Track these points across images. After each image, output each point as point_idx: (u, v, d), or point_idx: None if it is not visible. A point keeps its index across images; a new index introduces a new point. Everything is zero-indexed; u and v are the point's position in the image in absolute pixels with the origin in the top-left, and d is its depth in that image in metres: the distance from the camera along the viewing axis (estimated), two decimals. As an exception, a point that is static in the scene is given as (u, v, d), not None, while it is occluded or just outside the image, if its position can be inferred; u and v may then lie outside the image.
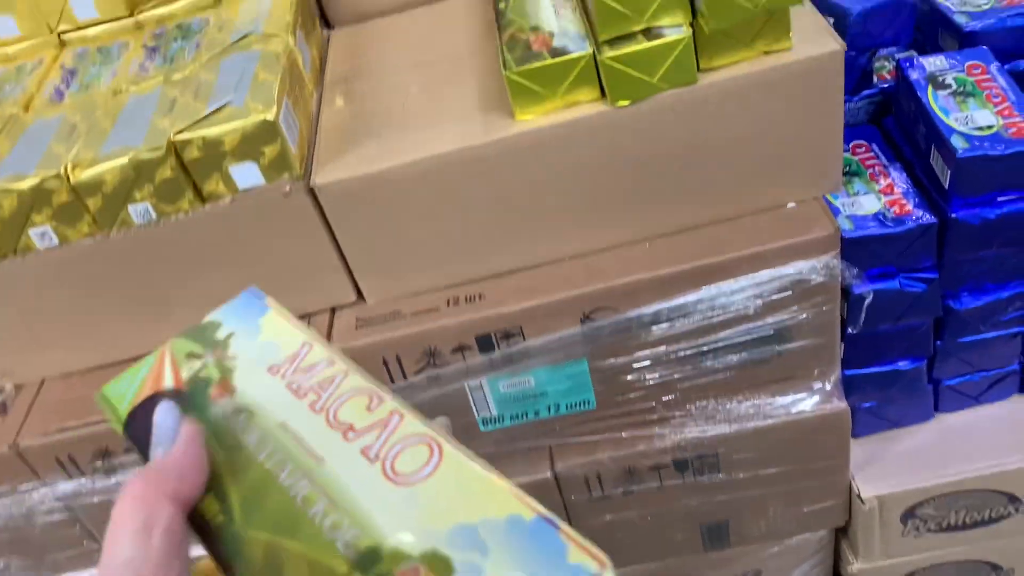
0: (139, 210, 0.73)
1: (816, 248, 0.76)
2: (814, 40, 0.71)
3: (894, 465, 0.93)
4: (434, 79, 0.81)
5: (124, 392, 0.36)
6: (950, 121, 0.79)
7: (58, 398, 0.83)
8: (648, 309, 0.78)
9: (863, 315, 0.81)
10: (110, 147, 0.72)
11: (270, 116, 0.69)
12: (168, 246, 0.75)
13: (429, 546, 0.25)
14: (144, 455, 0.33)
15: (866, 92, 0.93)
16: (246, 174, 0.72)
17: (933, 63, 0.86)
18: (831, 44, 0.70)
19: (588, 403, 0.84)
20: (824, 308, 0.79)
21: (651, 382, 0.82)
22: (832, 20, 0.85)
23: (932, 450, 0.93)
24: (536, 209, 0.76)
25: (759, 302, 0.78)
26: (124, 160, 0.71)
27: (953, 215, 0.79)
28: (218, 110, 0.71)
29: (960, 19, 0.90)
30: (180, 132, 0.70)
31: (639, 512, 0.92)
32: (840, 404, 0.85)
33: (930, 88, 0.83)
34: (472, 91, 0.78)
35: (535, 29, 0.73)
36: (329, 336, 0.79)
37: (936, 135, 0.79)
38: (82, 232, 0.74)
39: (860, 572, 0.99)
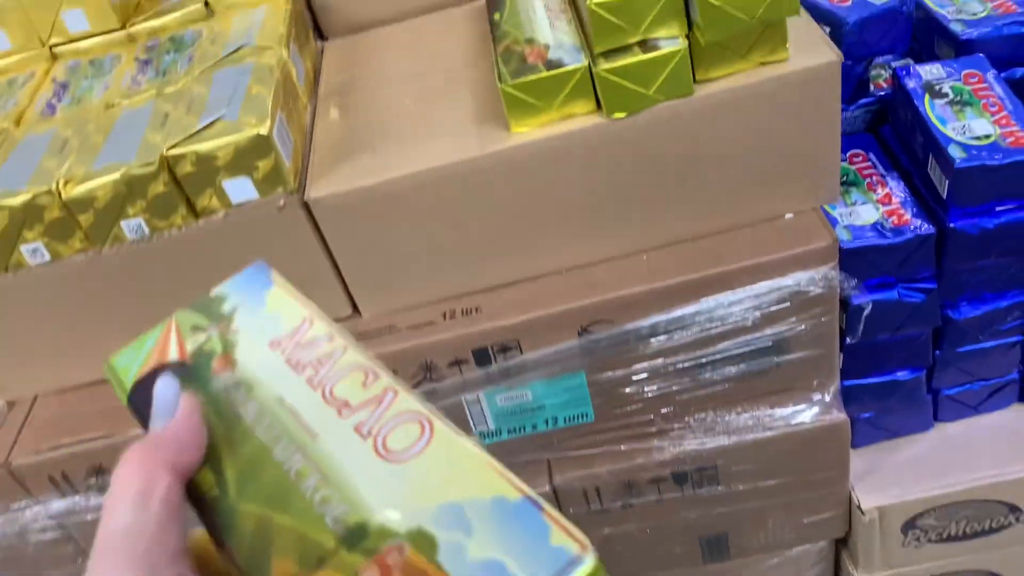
0: (132, 226, 0.72)
1: (814, 259, 0.75)
2: (811, 50, 0.70)
3: (894, 475, 0.92)
4: (429, 91, 0.81)
5: (130, 364, 0.36)
6: (947, 130, 0.79)
7: (51, 415, 0.82)
8: (646, 321, 0.77)
9: (862, 326, 0.81)
10: (102, 162, 0.72)
11: (263, 130, 0.69)
12: (161, 262, 0.74)
13: (415, 524, 0.26)
14: (145, 427, 0.34)
15: (863, 101, 0.93)
16: (240, 189, 0.71)
17: (930, 71, 0.86)
18: (828, 55, 0.70)
19: (586, 416, 0.83)
20: (823, 319, 0.78)
21: (649, 395, 0.82)
22: (828, 29, 0.85)
23: (932, 460, 0.93)
24: (532, 222, 0.76)
25: (757, 314, 0.77)
26: (116, 176, 0.70)
27: (951, 225, 0.78)
28: (211, 124, 0.71)
29: (956, 27, 0.90)
30: (173, 147, 0.70)
31: (638, 525, 0.91)
32: (839, 415, 0.84)
33: (927, 97, 0.83)
34: (467, 103, 0.77)
35: (530, 41, 0.73)
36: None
37: (934, 145, 0.79)
38: (74, 248, 0.73)
39: (861, 583, 0.98)
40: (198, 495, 0.31)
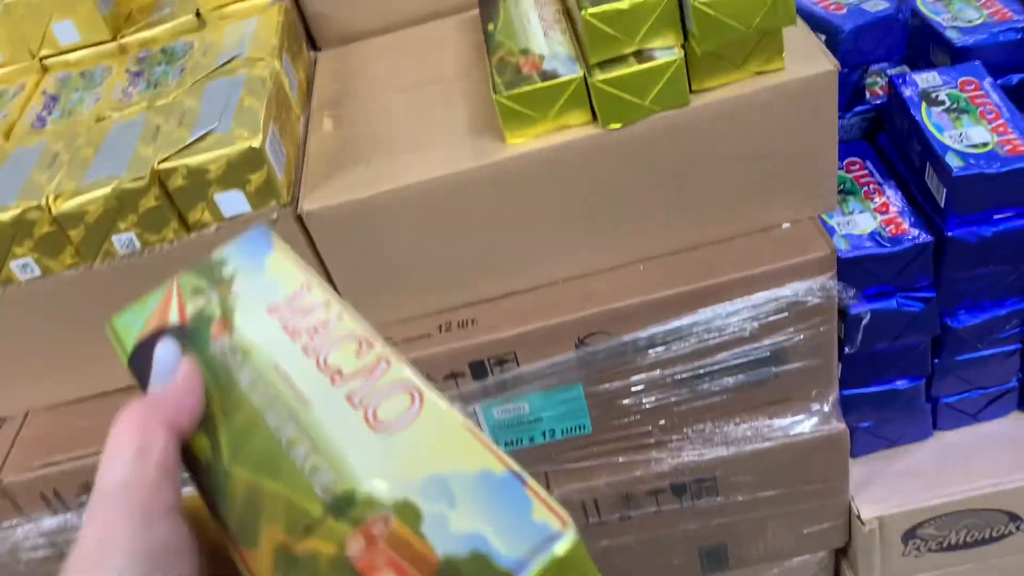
0: (123, 240, 0.72)
1: (812, 269, 0.75)
2: (807, 60, 0.70)
3: (894, 485, 0.92)
4: (423, 102, 0.80)
5: (131, 325, 0.36)
6: (944, 138, 0.79)
7: (42, 432, 0.81)
8: (643, 333, 0.76)
9: (860, 335, 0.80)
10: (93, 176, 0.71)
11: (256, 143, 0.68)
12: (153, 276, 0.72)
13: (401, 495, 0.26)
14: (144, 389, 0.34)
15: (859, 108, 0.92)
16: (232, 202, 0.71)
17: (926, 79, 0.85)
18: (825, 64, 0.69)
19: (584, 428, 0.83)
20: (821, 329, 0.78)
21: (647, 406, 0.81)
22: (824, 37, 0.84)
23: (932, 469, 0.92)
24: (528, 233, 0.75)
25: (755, 324, 0.77)
26: (107, 190, 0.69)
27: (949, 233, 0.78)
28: (203, 137, 0.70)
29: (952, 34, 0.90)
30: (164, 160, 0.69)
31: (637, 537, 0.90)
32: (839, 425, 0.84)
33: (923, 105, 0.82)
34: (461, 114, 0.77)
35: (525, 52, 0.72)
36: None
37: (931, 153, 0.79)
38: (65, 263, 0.72)
39: (861, 593, 0.98)
40: (192, 459, 0.31)
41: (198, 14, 0.88)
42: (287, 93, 0.80)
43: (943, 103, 0.82)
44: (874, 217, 0.81)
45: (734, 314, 0.76)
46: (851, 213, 0.82)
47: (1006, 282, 0.82)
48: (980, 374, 0.89)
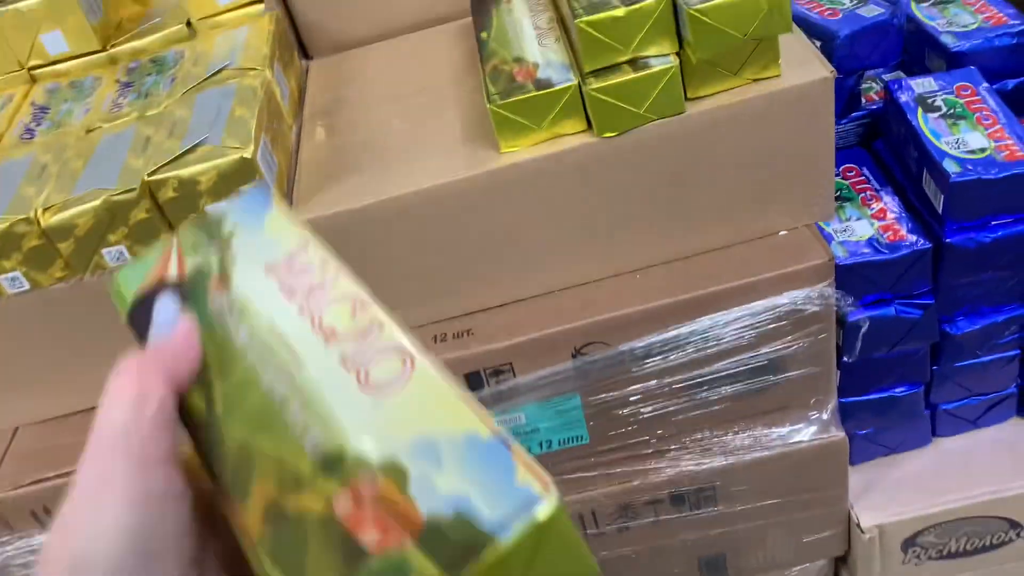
0: (113, 253, 0.71)
1: (810, 277, 0.74)
2: (803, 67, 0.69)
3: (893, 492, 0.91)
4: (416, 111, 0.80)
5: (132, 281, 0.37)
6: (941, 144, 0.78)
7: (32, 447, 0.80)
8: (640, 342, 0.76)
9: (859, 343, 0.80)
10: (82, 189, 0.70)
11: (247, 154, 0.67)
12: (144, 289, 0.72)
13: (389, 455, 0.26)
14: (142, 344, 0.34)
15: (855, 114, 0.92)
16: (224, 214, 0.70)
17: (922, 85, 0.85)
18: (821, 71, 0.69)
19: (581, 438, 0.82)
20: (819, 337, 0.77)
21: (645, 416, 0.80)
22: (819, 43, 0.84)
23: (931, 476, 0.91)
24: (524, 242, 0.75)
25: (753, 333, 0.76)
26: (97, 202, 0.68)
27: (948, 240, 0.77)
28: (193, 148, 0.69)
29: (947, 39, 0.90)
30: (154, 172, 0.68)
31: (635, 548, 0.90)
32: (838, 433, 0.83)
33: (920, 111, 0.82)
34: (455, 123, 0.76)
35: (518, 60, 0.71)
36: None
37: (928, 159, 0.78)
38: (54, 277, 0.72)
39: (861, 601, 0.97)
40: (187, 414, 0.31)
41: (189, 23, 0.87)
42: (279, 103, 0.79)
43: (939, 109, 0.82)
44: (871, 224, 0.81)
45: (732, 323, 0.75)
46: (848, 220, 0.82)
47: (1005, 288, 0.82)
48: (979, 380, 0.89)
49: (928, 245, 0.77)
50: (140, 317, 0.35)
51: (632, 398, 0.79)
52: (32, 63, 0.88)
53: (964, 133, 0.79)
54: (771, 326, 0.76)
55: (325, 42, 0.93)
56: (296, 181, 0.75)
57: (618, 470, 0.84)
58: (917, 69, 0.95)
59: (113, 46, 0.88)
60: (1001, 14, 0.91)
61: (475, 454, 0.25)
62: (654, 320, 0.75)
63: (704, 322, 0.76)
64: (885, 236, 0.79)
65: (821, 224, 0.79)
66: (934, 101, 0.83)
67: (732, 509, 0.87)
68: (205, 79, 0.78)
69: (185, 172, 0.68)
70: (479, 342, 0.76)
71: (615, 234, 0.75)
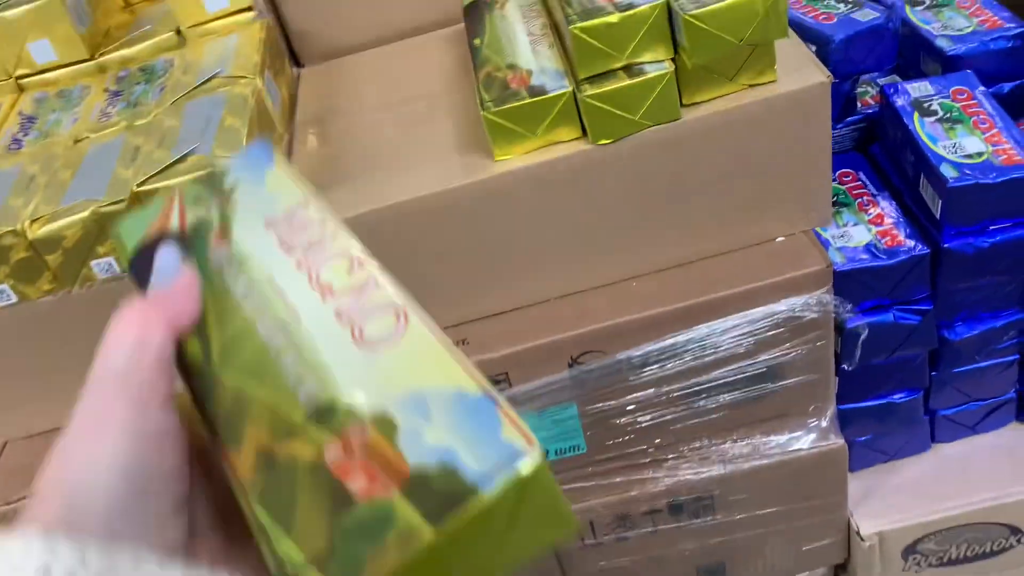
0: (102, 265, 0.69)
1: (808, 283, 0.73)
2: (800, 72, 0.69)
3: (893, 499, 0.90)
4: (409, 119, 0.79)
5: (134, 231, 0.37)
6: (938, 149, 0.78)
7: (21, 462, 0.78)
8: (638, 351, 0.75)
9: (859, 351, 0.79)
10: (70, 200, 0.69)
11: (238, 164, 0.66)
12: (134, 301, 0.71)
13: (380, 408, 0.27)
14: (142, 292, 0.35)
15: (850, 119, 0.91)
16: (214, 224, 0.69)
17: (918, 89, 0.84)
18: (817, 76, 0.68)
19: (578, 448, 0.81)
20: (818, 344, 0.77)
21: (643, 425, 0.80)
22: (814, 48, 0.83)
23: (931, 482, 0.91)
24: (518, 251, 0.74)
25: (751, 340, 0.75)
26: (85, 214, 0.67)
27: (946, 245, 0.77)
28: (183, 158, 0.68)
29: (942, 43, 0.89)
30: (144, 182, 0.67)
31: (633, 558, 0.89)
32: (837, 441, 0.82)
33: (916, 115, 0.82)
34: (448, 131, 0.75)
35: (512, 67, 0.71)
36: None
37: (925, 163, 0.78)
38: (42, 290, 0.70)
39: (861, 609, 0.96)
40: (185, 362, 0.32)
41: (178, 31, 0.87)
42: (269, 111, 0.78)
43: (936, 113, 0.81)
44: (869, 229, 0.80)
45: (730, 330, 0.75)
46: (845, 225, 0.81)
47: (1003, 293, 0.81)
48: (978, 386, 0.88)
49: (926, 250, 0.77)
50: (141, 266, 0.35)
51: (629, 407, 0.78)
52: (19, 72, 0.86)
53: (961, 137, 0.78)
54: (769, 333, 0.75)
55: (316, 49, 0.92)
56: (288, 190, 0.74)
57: (616, 480, 0.83)
58: (912, 73, 0.94)
59: (102, 55, 0.87)
60: (996, 17, 0.90)
61: (463, 409, 0.26)
62: (651, 328, 0.74)
63: (701, 330, 0.75)
64: (883, 242, 0.79)
65: (818, 230, 0.78)
66: (930, 105, 0.82)
67: (731, 518, 0.86)
68: (195, 88, 0.77)
69: (175, 182, 0.67)
70: (474, 351, 0.75)
71: (611, 242, 0.74)
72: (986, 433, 0.93)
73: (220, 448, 0.30)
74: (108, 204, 0.67)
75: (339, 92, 0.86)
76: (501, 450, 0.25)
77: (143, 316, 0.30)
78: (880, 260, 0.77)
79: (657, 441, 0.81)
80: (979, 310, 0.82)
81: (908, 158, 0.81)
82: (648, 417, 0.79)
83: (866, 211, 0.82)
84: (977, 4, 0.93)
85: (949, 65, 0.88)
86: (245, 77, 0.77)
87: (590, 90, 0.65)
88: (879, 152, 0.89)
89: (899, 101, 0.83)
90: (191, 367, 0.32)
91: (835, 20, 0.86)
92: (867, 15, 0.85)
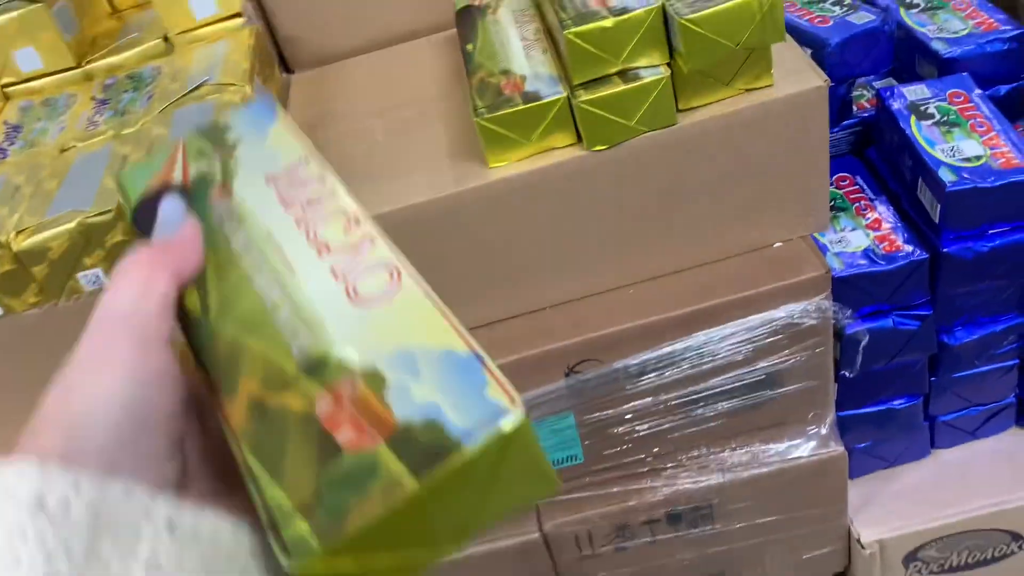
0: (89, 277, 0.68)
1: (807, 290, 0.73)
2: (797, 76, 0.68)
3: (893, 506, 0.89)
4: (401, 126, 0.78)
5: (138, 181, 0.38)
6: (936, 153, 0.77)
7: (8, 478, 0.77)
8: (635, 359, 0.74)
9: (860, 357, 0.78)
10: (56, 211, 0.68)
11: (227, 173, 0.65)
12: (122, 313, 0.70)
13: (370, 363, 0.28)
14: (145, 241, 0.35)
15: (846, 123, 0.91)
16: (203, 234, 0.68)
17: (914, 92, 0.84)
18: (814, 80, 0.67)
19: (575, 458, 0.80)
20: (816, 351, 0.76)
21: (641, 434, 0.79)
22: (809, 51, 0.83)
23: (931, 489, 0.90)
24: (513, 259, 0.73)
25: (750, 347, 0.74)
26: (72, 225, 0.66)
27: (945, 250, 0.76)
28: (171, 168, 0.67)
29: (938, 46, 0.89)
30: (131, 193, 0.66)
31: (632, 569, 0.88)
32: (837, 448, 0.82)
33: (913, 118, 0.81)
34: (441, 138, 0.74)
35: (505, 72, 0.70)
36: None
37: (923, 167, 0.77)
38: (28, 302, 0.69)
39: (862, 617, 0.95)
40: (184, 312, 0.33)
41: (166, 38, 0.85)
42: (260, 119, 0.77)
43: (933, 116, 0.81)
44: (867, 234, 0.79)
45: (728, 337, 0.74)
46: (843, 230, 0.80)
47: (1002, 297, 0.80)
48: (978, 391, 0.87)
49: (925, 255, 0.76)
50: (144, 215, 0.36)
51: (627, 416, 0.77)
52: (5, 81, 0.85)
53: (958, 141, 0.78)
54: (767, 340, 0.74)
55: (306, 55, 0.91)
56: (278, 199, 0.73)
57: (614, 490, 0.82)
58: (907, 76, 0.93)
59: (88, 62, 0.86)
60: (991, 19, 0.90)
61: (450, 368, 0.27)
62: (648, 336, 0.73)
63: (699, 337, 0.74)
64: (881, 247, 0.78)
65: (816, 235, 0.77)
66: (927, 108, 0.82)
67: (730, 527, 0.85)
68: (183, 95, 0.76)
69: (163, 192, 0.65)
70: (469, 362, 0.74)
71: (607, 249, 0.73)
72: (986, 438, 0.92)
73: (215, 397, 0.30)
74: (95, 215, 0.66)
75: (329, 98, 0.85)
76: (485, 408, 0.25)
77: (150, 262, 0.31)
78: (879, 265, 0.76)
79: (655, 450, 0.80)
80: (978, 315, 0.82)
81: (905, 162, 0.81)
82: (646, 426, 0.78)
83: (863, 216, 0.82)
84: (972, 6, 0.92)
85: (945, 68, 0.88)
86: (234, 84, 0.76)
87: (585, 96, 0.65)
88: (875, 156, 0.88)
89: (895, 104, 0.83)
90: (189, 317, 0.32)
91: (830, 23, 0.85)
92: (862, 18, 0.85)
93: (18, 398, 0.75)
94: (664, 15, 0.63)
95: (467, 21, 0.78)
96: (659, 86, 0.64)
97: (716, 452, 0.81)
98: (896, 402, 0.86)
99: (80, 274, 0.68)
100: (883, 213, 0.81)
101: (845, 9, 0.86)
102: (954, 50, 0.87)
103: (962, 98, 0.82)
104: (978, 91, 0.83)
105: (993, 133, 0.78)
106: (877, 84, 0.94)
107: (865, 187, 0.85)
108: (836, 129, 0.91)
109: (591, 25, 0.63)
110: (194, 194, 0.36)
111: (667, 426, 0.78)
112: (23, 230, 0.67)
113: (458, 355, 0.27)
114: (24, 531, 0.23)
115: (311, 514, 0.25)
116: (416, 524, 0.26)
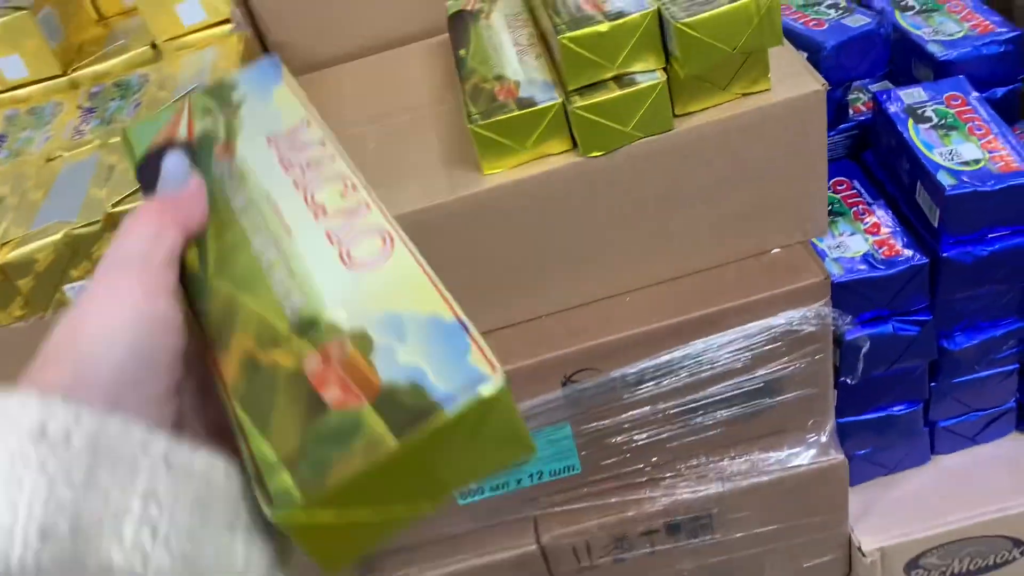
0: (76, 290, 0.67)
1: (806, 296, 0.72)
2: (794, 80, 0.67)
3: (894, 514, 0.89)
4: (393, 133, 0.77)
5: (143, 137, 0.38)
6: (934, 156, 0.76)
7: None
8: (632, 368, 0.73)
9: (861, 364, 0.77)
10: (42, 222, 0.66)
11: (216, 182, 0.64)
12: (109, 326, 0.69)
13: (359, 325, 0.29)
14: (148, 196, 0.36)
15: (843, 126, 0.90)
16: (193, 245, 0.66)
17: (911, 95, 0.83)
18: (812, 84, 0.66)
19: (573, 468, 0.79)
20: (816, 357, 0.75)
21: (639, 443, 0.77)
22: (805, 55, 0.82)
23: (932, 495, 0.89)
24: (508, 267, 0.72)
25: (748, 355, 0.73)
26: (58, 236, 0.65)
27: (944, 254, 0.75)
28: (159, 177, 0.66)
29: (934, 48, 0.88)
30: (118, 203, 0.65)
31: (631, 580, 0.86)
32: (837, 456, 0.81)
33: (910, 121, 0.80)
34: (434, 145, 0.73)
35: (499, 78, 0.69)
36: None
37: (921, 171, 0.76)
38: (13, 315, 0.68)
39: (863, 625, 0.94)
40: (183, 267, 0.33)
41: (153, 45, 0.84)
42: (249, 127, 0.76)
43: (930, 119, 0.80)
44: (865, 239, 0.79)
45: (726, 345, 0.73)
46: (841, 235, 0.80)
47: (1002, 302, 0.80)
48: (978, 396, 0.87)
49: (925, 260, 0.75)
50: (148, 171, 0.37)
51: (625, 426, 0.76)
52: (-11, 90, 0.84)
53: (957, 144, 0.77)
54: (766, 348, 0.73)
55: (297, 62, 0.90)
56: (269, 208, 0.72)
57: (612, 500, 0.81)
58: (903, 79, 0.93)
59: (74, 70, 0.84)
60: (987, 22, 0.89)
61: (436, 333, 0.28)
62: (646, 344, 0.72)
63: (697, 345, 0.73)
64: (880, 251, 0.77)
65: (814, 241, 0.76)
66: (924, 111, 0.81)
67: (730, 537, 0.84)
68: (172, 103, 0.75)
69: (150, 202, 0.64)
70: (464, 372, 0.72)
71: (603, 256, 0.72)
72: (986, 443, 0.92)
73: (209, 351, 0.31)
74: (81, 226, 0.65)
75: (320, 105, 0.83)
76: (467, 373, 0.26)
77: (160, 214, 0.32)
78: (879, 271, 0.75)
79: (654, 460, 0.79)
80: (978, 319, 0.81)
81: (903, 166, 0.80)
82: (644, 436, 0.77)
83: (862, 220, 0.81)
84: (968, 8, 0.91)
85: (941, 70, 0.87)
86: (223, 92, 0.75)
87: (580, 101, 0.64)
88: (872, 160, 0.88)
89: (892, 108, 0.82)
90: (188, 273, 0.33)
91: (826, 26, 0.84)
92: (858, 21, 0.84)
93: (4, 413, 0.74)
94: (660, 19, 0.62)
95: (459, 26, 0.77)
96: (655, 91, 0.63)
97: (715, 461, 0.80)
98: (896, 408, 0.85)
99: (67, 286, 0.67)
100: (881, 217, 0.81)
101: (840, 12, 0.86)
102: (950, 53, 0.87)
103: (959, 101, 0.82)
104: (975, 94, 0.82)
105: (991, 136, 0.77)
106: (873, 87, 0.94)
107: (863, 191, 0.84)
108: (832, 133, 0.90)
109: (586, 30, 0.62)
110: (198, 151, 0.37)
111: (666, 435, 0.77)
112: (8, 242, 0.65)
113: (444, 321, 0.28)
114: (27, 457, 0.24)
115: (295, 468, 0.26)
116: (395, 482, 0.26)
